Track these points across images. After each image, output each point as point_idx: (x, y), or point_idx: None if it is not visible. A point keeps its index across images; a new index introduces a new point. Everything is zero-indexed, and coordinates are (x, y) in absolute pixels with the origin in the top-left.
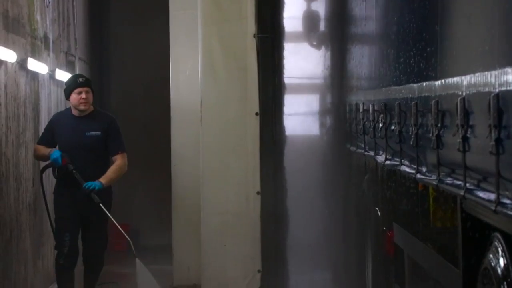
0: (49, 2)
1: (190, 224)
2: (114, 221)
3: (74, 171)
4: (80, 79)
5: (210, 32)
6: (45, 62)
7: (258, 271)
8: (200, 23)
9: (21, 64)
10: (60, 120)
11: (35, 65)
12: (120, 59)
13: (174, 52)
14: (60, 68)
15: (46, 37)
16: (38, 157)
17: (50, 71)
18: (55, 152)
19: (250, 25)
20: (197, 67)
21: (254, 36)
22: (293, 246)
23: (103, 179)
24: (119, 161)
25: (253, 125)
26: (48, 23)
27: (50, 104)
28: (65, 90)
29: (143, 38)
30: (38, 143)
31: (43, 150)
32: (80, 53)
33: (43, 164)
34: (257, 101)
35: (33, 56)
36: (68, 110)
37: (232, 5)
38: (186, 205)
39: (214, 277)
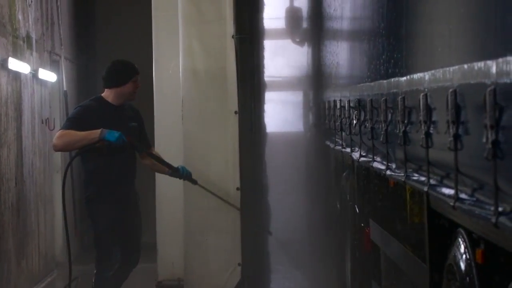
0: (31, 1)
1: (174, 221)
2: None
3: (150, 153)
4: (136, 66)
5: (190, 32)
6: (28, 62)
7: (239, 264)
8: (180, 24)
9: (2, 63)
10: (98, 108)
11: (17, 65)
12: (105, 58)
13: (157, 52)
14: (44, 67)
15: (28, 37)
16: (75, 142)
17: (33, 71)
18: (112, 131)
19: (229, 26)
20: (180, 66)
21: (232, 37)
22: (272, 240)
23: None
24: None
25: (233, 123)
26: (30, 22)
27: (33, 104)
28: (120, 76)
29: (128, 38)
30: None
31: (84, 133)
32: (66, 52)
33: (27, 162)
34: (236, 100)
35: (15, 56)
36: (100, 98)
37: (211, 7)
38: (170, 202)
39: (197, 271)
